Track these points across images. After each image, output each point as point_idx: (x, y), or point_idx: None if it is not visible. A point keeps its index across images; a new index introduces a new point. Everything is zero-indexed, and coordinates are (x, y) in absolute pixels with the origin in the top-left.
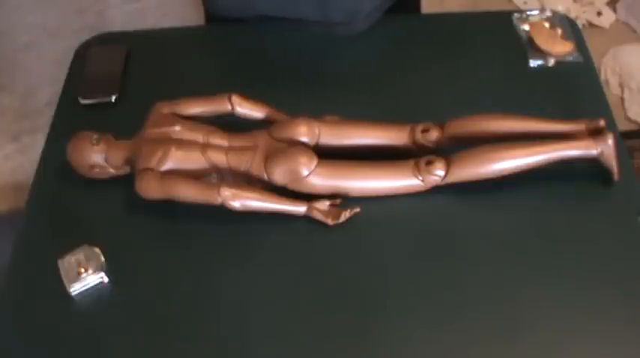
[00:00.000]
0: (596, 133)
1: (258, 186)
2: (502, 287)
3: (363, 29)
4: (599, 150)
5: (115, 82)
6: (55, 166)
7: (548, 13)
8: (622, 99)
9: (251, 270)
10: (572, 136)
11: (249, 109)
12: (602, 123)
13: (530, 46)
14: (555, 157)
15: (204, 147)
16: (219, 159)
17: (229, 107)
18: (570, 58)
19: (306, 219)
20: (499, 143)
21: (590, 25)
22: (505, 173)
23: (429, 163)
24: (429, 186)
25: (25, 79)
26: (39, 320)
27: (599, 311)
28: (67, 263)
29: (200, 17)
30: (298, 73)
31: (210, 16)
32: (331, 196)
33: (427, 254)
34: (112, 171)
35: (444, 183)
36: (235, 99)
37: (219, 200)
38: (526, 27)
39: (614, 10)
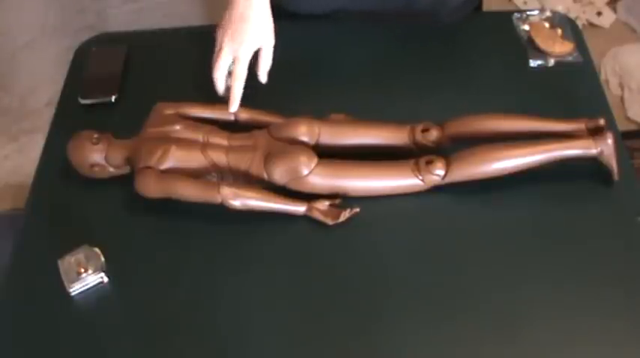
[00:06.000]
0: (596, 133)
1: (258, 186)
2: (502, 286)
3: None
4: (599, 149)
5: (115, 82)
6: (55, 166)
7: (548, 13)
8: (622, 99)
9: (251, 270)
10: (572, 136)
11: (252, 117)
12: (602, 122)
13: (530, 46)
14: (555, 157)
15: (204, 146)
16: (219, 158)
17: (232, 116)
18: (570, 58)
19: (306, 218)
20: (499, 143)
21: (590, 25)
22: (505, 173)
23: (428, 163)
24: (429, 185)
25: (25, 79)
26: (39, 320)
27: (599, 311)
28: (67, 263)
29: (200, 17)
30: (298, 73)
31: (282, 12)
32: (331, 196)
33: (427, 254)
34: (111, 170)
35: (444, 182)
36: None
37: (219, 199)
38: (526, 27)
39: (614, 10)
